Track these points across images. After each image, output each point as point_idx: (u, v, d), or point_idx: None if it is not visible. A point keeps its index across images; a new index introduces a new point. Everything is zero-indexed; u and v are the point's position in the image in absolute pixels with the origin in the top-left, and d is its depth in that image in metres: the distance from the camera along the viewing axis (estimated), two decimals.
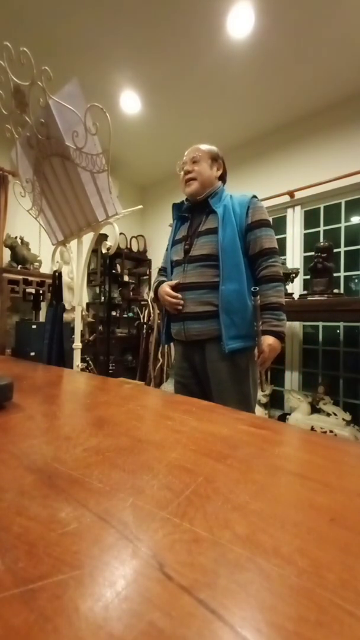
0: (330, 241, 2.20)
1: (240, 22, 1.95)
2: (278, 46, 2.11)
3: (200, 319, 1.08)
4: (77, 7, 1.88)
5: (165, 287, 1.16)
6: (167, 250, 1.30)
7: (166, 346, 3.38)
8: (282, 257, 2.78)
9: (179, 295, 1.14)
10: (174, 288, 1.15)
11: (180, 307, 1.14)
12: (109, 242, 1.17)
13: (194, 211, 1.21)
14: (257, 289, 1.02)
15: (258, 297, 1.02)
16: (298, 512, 0.25)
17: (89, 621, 0.15)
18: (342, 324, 2.58)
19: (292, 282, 2.31)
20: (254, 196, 1.15)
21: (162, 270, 1.32)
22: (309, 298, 2.01)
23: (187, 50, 2.16)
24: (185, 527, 0.23)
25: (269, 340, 1.05)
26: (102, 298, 3.49)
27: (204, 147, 1.19)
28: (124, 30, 2.02)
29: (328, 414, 2.17)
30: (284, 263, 2.58)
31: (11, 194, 2.71)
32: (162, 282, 1.23)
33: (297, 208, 2.82)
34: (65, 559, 0.19)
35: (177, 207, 1.27)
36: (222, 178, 1.23)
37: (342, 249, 2.62)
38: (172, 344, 1.32)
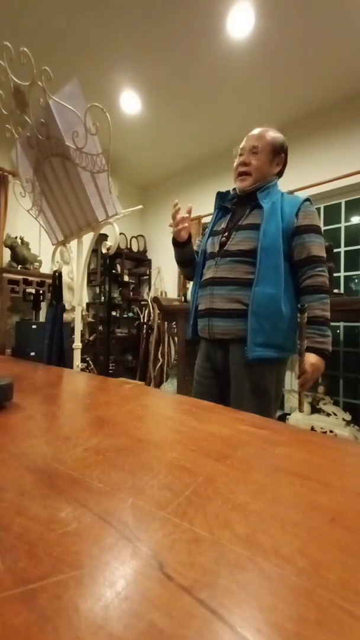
0: (330, 241, 2.20)
1: (240, 22, 1.95)
2: (278, 46, 2.11)
3: (228, 317, 1.00)
4: (78, 7, 1.88)
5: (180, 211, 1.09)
6: (202, 235, 1.23)
7: (167, 346, 3.38)
8: None
9: (186, 216, 1.08)
10: (204, 283, 1.10)
11: (183, 228, 1.09)
12: (109, 242, 1.17)
13: (238, 203, 1.12)
14: (306, 305, 0.92)
15: (305, 314, 0.91)
16: (298, 512, 0.25)
17: (89, 621, 0.15)
18: (342, 324, 2.58)
19: None
20: (308, 199, 1.05)
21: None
22: None
23: (187, 50, 2.16)
24: (185, 527, 0.23)
25: (311, 359, 0.95)
26: (102, 298, 3.49)
27: (269, 134, 1.06)
28: (124, 30, 2.02)
29: (328, 414, 2.17)
30: None
31: (11, 194, 2.71)
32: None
33: None
34: (65, 559, 0.19)
35: (221, 197, 1.18)
36: (280, 173, 1.12)
37: (342, 249, 2.62)
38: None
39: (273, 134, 1.07)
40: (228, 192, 1.18)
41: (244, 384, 0.99)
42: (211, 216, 1.21)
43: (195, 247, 1.25)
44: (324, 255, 1.01)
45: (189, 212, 1.10)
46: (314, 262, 0.99)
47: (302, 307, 0.91)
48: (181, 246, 1.17)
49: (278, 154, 1.07)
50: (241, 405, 0.97)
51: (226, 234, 1.07)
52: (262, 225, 0.98)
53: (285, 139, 1.09)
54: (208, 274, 1.08)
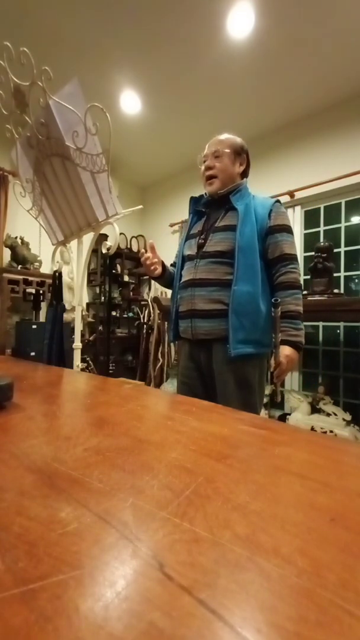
0: (330, 241, 2.20)
1: (240, 22, 1.94)
2: (278, 46, 2.11)
3: (209, 318, 1.04)
4: (78, 7, 1.88)
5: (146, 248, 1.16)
6: (180, 245, 1.26)
7: (167, 346, 3.38)
8: None
9: (156, 260, 1.14)
10: (184, 284, 1.13)
11: (155, 268, 1.14)
12: (109, 242, 1.17)
13: (211, 206, 1.16)
14: (279, 300, 0.95)
15: (279, 309, 0.95)
16: (298, 512, 0.25)
17: (89, 621, 0.15)
18: (342, 324, 2.58)
19: None
20: (278, 200, 1.11)
21: (172, 265, 1.29)
22: (309, 298, 2.01)
23: (187, 50, 2.16)
24: (185, 527, 0.23)
25: (286, 351, 1.00)
26: (102, 298, 3.48)
27: (227, 139, 1.13)
28: (124, 30, 2.02)
29: (328, 414, 2.17)
30: None
31: (11, 194, 2.71)
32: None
33: (297, 208, 2.82)
34: (65, 559, 0.19)
35: (194, 201, 1.22)
36: (245, 173, 1.17)
37: (342, 249, 2.62)
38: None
39: (231, 138, 1.14)
40: (202, 196, 1.21)
41: (229, 379, 1.02)
42: (187, 221, 1.25)
43: (174, 259, 1.30)
44: (296, 253, 1.08)
45: (153, 249, 1.15)
46: (286, 259, 1.05)
47: (276, 302, 0.95)
48: (161, 277, 1.21)
49: (239, 155, 1.14)
50: (227, 401, 1.00)
51: (203, 235, 1.11)
52: (238, 227, 1.03)
53: (244, 141, 1.16)
54: (188, 276, 1.11)
